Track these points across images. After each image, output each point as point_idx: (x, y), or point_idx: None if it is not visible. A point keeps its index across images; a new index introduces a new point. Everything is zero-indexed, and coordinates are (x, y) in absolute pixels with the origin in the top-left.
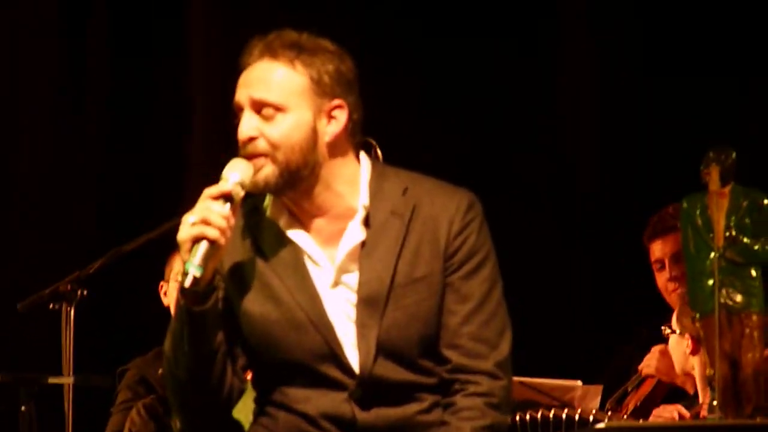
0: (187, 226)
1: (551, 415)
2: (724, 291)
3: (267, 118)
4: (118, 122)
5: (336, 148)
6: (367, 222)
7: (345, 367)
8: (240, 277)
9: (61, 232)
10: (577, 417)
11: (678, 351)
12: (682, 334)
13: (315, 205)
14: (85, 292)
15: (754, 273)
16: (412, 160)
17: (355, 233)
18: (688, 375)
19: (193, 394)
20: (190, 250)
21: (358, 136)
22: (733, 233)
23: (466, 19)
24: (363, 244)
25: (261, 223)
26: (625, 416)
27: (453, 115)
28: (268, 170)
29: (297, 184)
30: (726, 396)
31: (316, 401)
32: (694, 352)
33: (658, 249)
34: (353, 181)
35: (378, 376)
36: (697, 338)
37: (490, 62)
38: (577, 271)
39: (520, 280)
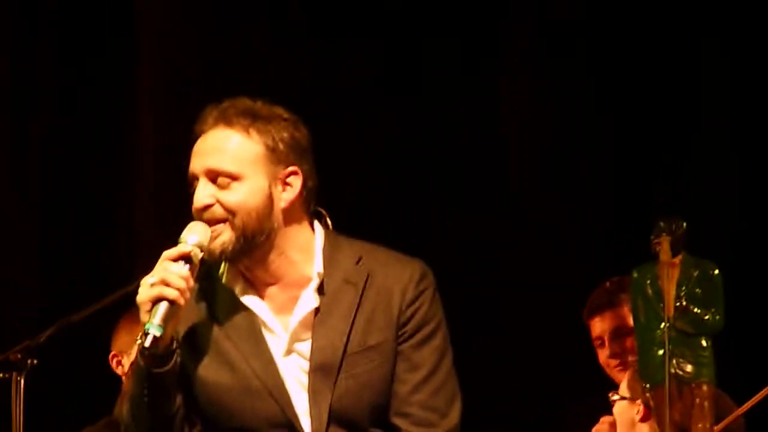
0: (147, 287)
1: None
2: (674, 361)
3: (222, 187)
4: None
5: (291, 215)
6: (320, 290)
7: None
8: (194, 343)
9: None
10: None
11: (625, 417)
12: (633, 400)
13: (269, 272)
14: (35, 362)
15: (704, 343)
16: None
17: (308, 301)
18: None
19: None
20: (150, 311)
21: (313, 205)
22: (684, 303)
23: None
24: (317, 311)
25: (216, 290)
26: None
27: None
28: (226, 237)
29: (252, 250)
30: None
31: None
32: (644, 419)
33: (597, 326)
34: (308, 248)
35: None
36: (648, 406)
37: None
38: (526, 345)
39: (471, 351)
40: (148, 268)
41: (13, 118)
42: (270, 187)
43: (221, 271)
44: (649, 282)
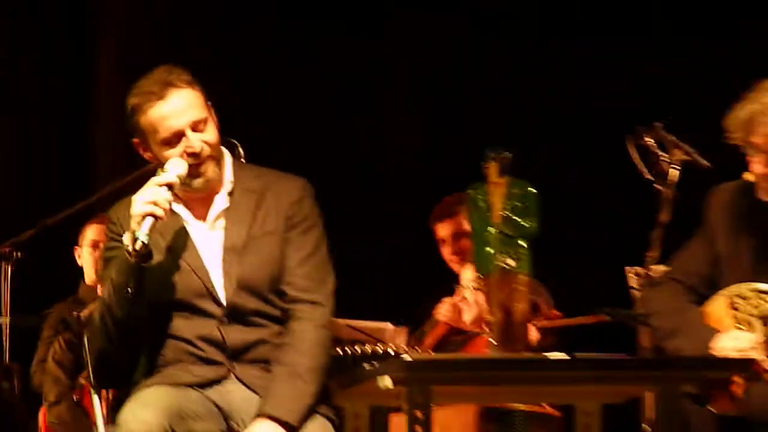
0: (140, 204)
1: (369, 350)
2: (500, 255)
3: (201, 131)
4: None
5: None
6: (230, 194)
7: (216, 300)
8: None
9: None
10: (389, 351)
11: (468, 299)
12: (480, 289)
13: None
14: (20, 254)
15: (522, 243)
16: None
17: (221, 202)
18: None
19: (122, 328)
20: (140, 222)
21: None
22: (507, 213)
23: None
24: (227, 209)
25: None
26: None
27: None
28: (211, 168)
29: None
30: (500, 335)
31: (194, 328)
32: None
33: (440, 230)
34: (222, 165)
35: (239, 306)
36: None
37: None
38: (392, 246)
39: (349, 249)
40: (103, 184)
41: None
42: (214, 120)
43: None
44: (481, 197)
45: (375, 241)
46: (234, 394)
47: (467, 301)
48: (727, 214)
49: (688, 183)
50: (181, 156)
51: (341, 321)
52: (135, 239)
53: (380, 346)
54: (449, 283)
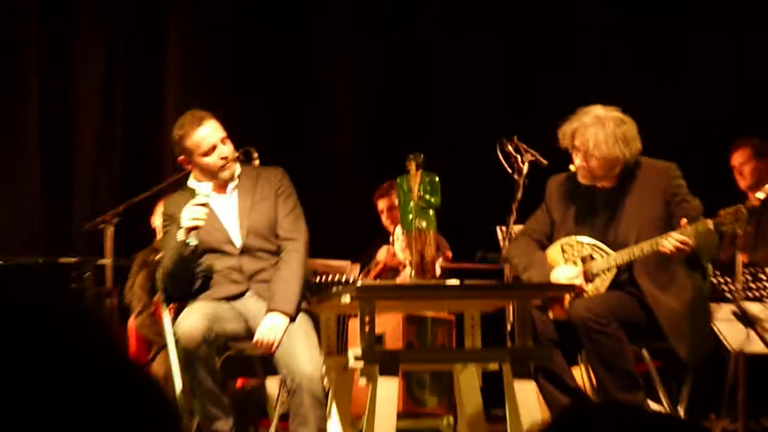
0: (187, 221)
1: (335, 278)
2: (417, 220)
3: (225, 144)
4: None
5: None
6: (239, 177)
7: (233, 244)
8: (178, 214)
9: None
10: (348, 279)
11: (398, 247)
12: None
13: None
14: (117, 220)
15: (431, 212)
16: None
17: (234, 183)
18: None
19: (180, 277)
20: (188, 231)
21: None
22: (422, 193)
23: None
24: (237, 185)
25: (188, 190)
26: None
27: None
28: (232, 166)
29: None
30: (417, 270)
31: (222, 263)
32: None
33: (380, 203)
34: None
35: (250, 245)
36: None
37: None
38: (351, 212)
39: (325, 214)
40: (167, 176)
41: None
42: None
43: (189, 181)
44: (405, 183)
45: (340, 209)
46: (250, 305)
47: (397, 249)
48: (559, 193)
49: (534, 174)
50: (217, 161)
51: (317, 260)
52: (187, 243)
53: (343, 276)
54: (385, 237)
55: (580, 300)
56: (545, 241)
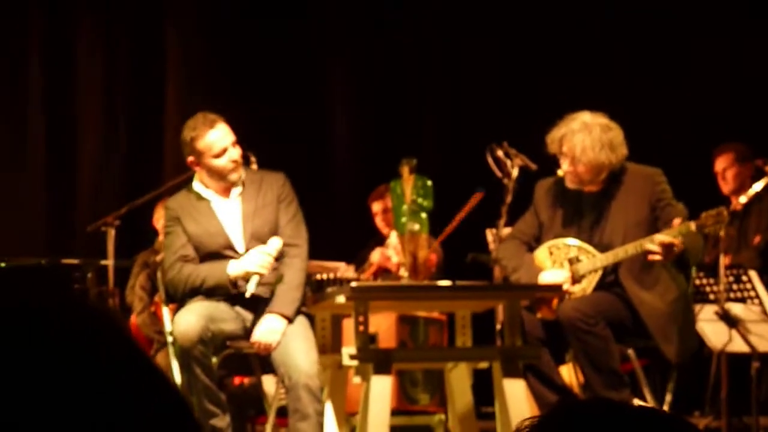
0: (255, 266)
1: (332, 277)
2: (410, 223)
3: (235, 147)
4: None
5: None
6: (243, 183)
7: (235, 249)
8: (187, 218)
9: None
10: (343, 280)
11: (394, 249)
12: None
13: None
14: (118, 222)
15: (424, 215)
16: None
17: (238, 188)
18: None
19: (191, 295)
20: (249, 278)
21: None
22: (415, 197)
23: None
24: (241, 192)
25: (193, 193)
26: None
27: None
28: (240, 169)
29: None
30: (410, 271)
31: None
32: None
33: (375, 206)
34: None
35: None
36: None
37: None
38: (347, 214)
39: (322, 218)
40: (168, 179)
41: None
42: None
43: (194, 183)
44: (398, 187)
45: (335, 211)
46: (249, 305)
47: (391, 251)
48: (547, 196)
49: (523, 178)
50: (227, 164)
51: (312, 262)
52: (238, 287)
53: (338, 275)
54: (379, 239)
55: (567, 300)
56: (533, 243)
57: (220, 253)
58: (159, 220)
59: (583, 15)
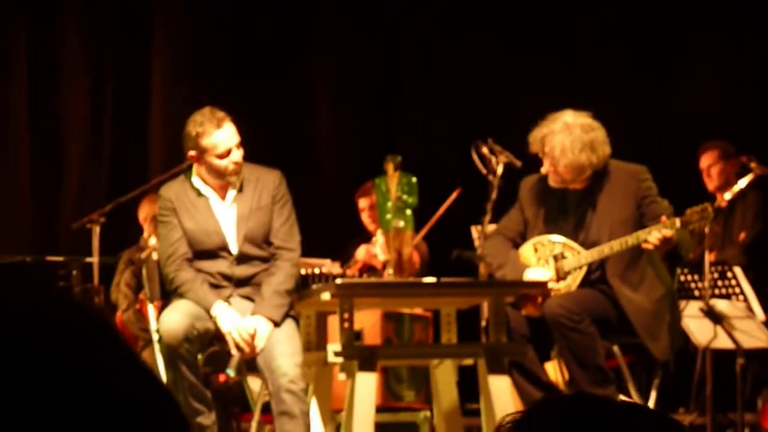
0: (234, 345)
1: (318, 272)
2: (395, 220)
3: (239, 148)
4: None
5: None
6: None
7: (229, 250)
8: (184, 212)
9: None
10: (328, 277)
11: (380, 246)
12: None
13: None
14: (103, 219)
15: (408, 212)
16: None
17: (235, 188)
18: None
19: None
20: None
21: None
22: (399, 194)
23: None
24: (237, 192)
25: (189, 186)
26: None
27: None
28: (239, 170)
29: None
30: (395, 268)
31: (215, 266)
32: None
33: (361, 202)
34: None
35: (244, 252)
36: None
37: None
38: (333, 212)
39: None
40: (153, 175)
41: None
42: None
43: (192, 177)
44: (383, 183)
45: (320, 208)
46: (235, 304)
47: (378, 249)
48: (532, 193)
49: (508, 175)
50: (229, 164)
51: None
52: (228, 373)
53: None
54: (365, 235)
55: (552, 297)
56: (519, 240)
57: (214, 252)
58: (144, 216)
59: (569, 13)
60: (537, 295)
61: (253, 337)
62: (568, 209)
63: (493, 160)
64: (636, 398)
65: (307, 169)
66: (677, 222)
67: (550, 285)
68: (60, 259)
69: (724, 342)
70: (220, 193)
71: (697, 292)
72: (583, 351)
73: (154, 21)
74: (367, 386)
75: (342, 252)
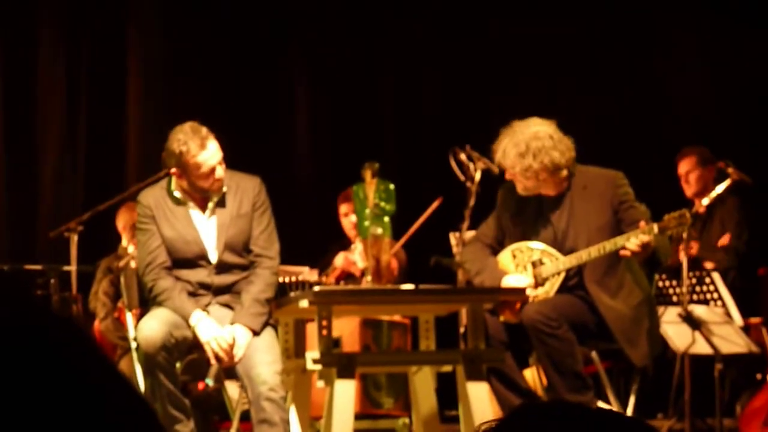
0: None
1: (296, 280)
2: (373, 227)
3: (221, 165)
4: None
5: None
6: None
7: (208, 259)
8: (163, 220)
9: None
10: (306, 281)
11: (359, 254)
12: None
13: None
14: (81, 227)
15: (386, 219)
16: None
17: (215, 198)
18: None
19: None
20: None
21: None
22: (377, 201)
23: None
24: (217, 202)
25: (169, 196)
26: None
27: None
28: (221, 186)
29: None
30: (373, 275)
31: (194, 275)
32: None
33: (343, 208)
34: None
35: (224, 261)
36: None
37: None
38: (312, 220)
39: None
40: (131, 184)
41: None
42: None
43: (172, 188)
44: (361, 190)
45: (302, 217)
46: (214, 312)
47: (356, 256)
48: (510, 200)
49: (486, 181)
50: (212, 182)
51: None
52: (207, 383)
53: (302, 278)
54: (345, 241)
55: (531, 303)
56: (497, 247)
57: (193, 261)
58: (122, 224)
59: (546, 17)
60: (515, 302)
61: (232, 346)
62: (545, 215)
63: (471, 166)
64: (614, 404)
65: (284, 176)
66: (655, 227)
67: (528, 291)
68: (38, 267)
69: (702, 347)
70: (200, 204)
71: (675, 298)
72: (562, 357)
73: (128, 26)
74: (345, 393)
75: (321, 259)
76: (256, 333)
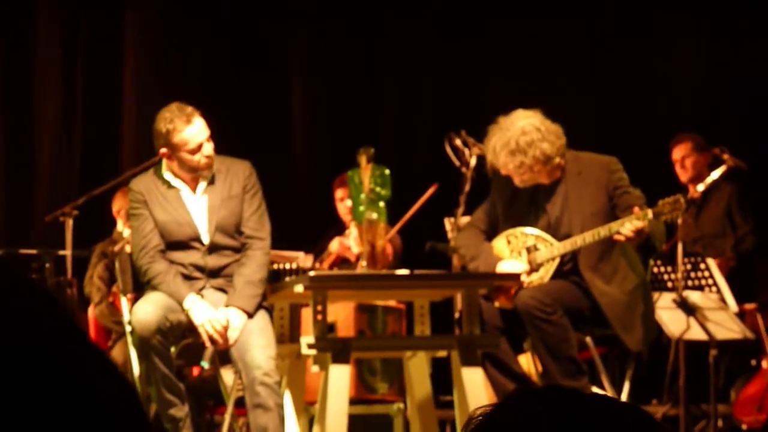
0: (209, 337)
1: (291, 267)
2: (368, 212)
3: (210, 142)
4: None
5: None
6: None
7: (201, 241)
8: (155, 204)
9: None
10: (302, 267)
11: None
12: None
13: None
14: (76, 212)
15: (381, 204)
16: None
17: (206, 180)
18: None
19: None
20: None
21: None
22: (372, 186)
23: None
24: (208, 183)
25: (160, 178)
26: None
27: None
28: (211, 163)
29: None
30: (368, 260)
31: (187, 257)
32: None
33: (338, 192)
34: None
35: (215, 242)
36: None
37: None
38: (307, 204)
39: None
40: (126, 168)
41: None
42: None
43: (162, 170)
44: (356, 176)
45: (298, 201)
46: (208, 296)
47: (351, 242)
48: (505, 185)
49: (481, 167)
50: (201, 158)
51: (272, 251)
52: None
53: (297, 264)
54: (340, 226)
55: (525, 289)
56: (492, 232)
57: (186, 243)
58: (118, 208)
59: (539, 9)
60: (510, 287)
61: (226, 328)
62: (540, 202)
63: (467, 152)
64: (609, 390)
65: (280, 161)
66: (649, 213)
67: (523, 277)
68: (33, 251)
69: (697, 333)
70: (191, 185)
71: (670, 284)
72: (556, 342)
73: (126, 12)
74: (340, 378)
75: (316, 244)
76: (250, 315)
